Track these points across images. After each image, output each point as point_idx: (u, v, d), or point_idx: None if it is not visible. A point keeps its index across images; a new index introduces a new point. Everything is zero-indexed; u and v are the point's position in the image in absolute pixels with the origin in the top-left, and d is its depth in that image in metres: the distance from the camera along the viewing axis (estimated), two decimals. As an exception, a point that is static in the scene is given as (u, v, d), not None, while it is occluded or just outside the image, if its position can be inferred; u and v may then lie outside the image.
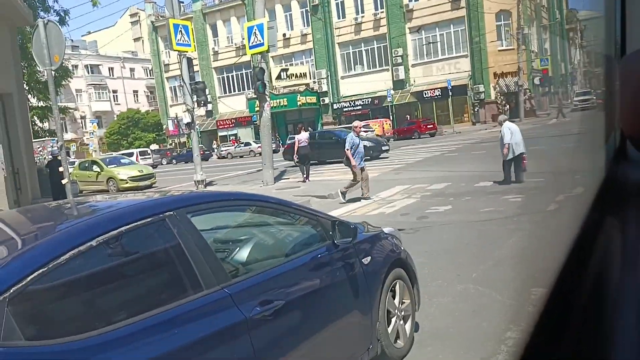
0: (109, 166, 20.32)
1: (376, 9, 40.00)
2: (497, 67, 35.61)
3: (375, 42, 40.65)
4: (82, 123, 58.14)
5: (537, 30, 40.75)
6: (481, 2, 35.38)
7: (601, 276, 0.59)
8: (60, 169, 9.94)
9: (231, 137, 45.49)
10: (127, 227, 2.12)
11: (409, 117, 36.69)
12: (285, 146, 25.68)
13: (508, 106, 35.03)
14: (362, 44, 41.28)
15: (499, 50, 35.92)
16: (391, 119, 37.45)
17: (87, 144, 44.66)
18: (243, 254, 2.88)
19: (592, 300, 0.55)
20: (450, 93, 35.27)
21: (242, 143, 40.94)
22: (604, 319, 0.48)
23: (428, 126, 33.16)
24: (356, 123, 11.63)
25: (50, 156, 16.13)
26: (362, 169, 10.86)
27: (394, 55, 38.96)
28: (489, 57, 35.85)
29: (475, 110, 36.71)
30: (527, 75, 36.09)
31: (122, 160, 22.23)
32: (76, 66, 55.49)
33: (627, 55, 0.99)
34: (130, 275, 2.27)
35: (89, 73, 60.80)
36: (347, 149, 10.71)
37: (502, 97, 36.09)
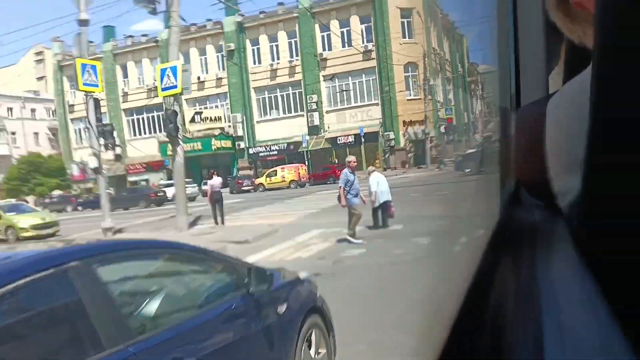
0: (7, 213, 18.79)
1: (291, 56, 41.10)
2: (406, 116, 37.54)
3: (290, 87, 41.53)
4: (-26, 167, 53.61)
5: (442, 82, 43.65)
6: (390, 54, 37.46)
7: (498, 314, 0.62)
8: None
9: (142, 182, 43.82)
10: (24, 280, 1.95)
11: (336, 160, 37.13)
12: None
13: (413, 153, 36.93)
14: (278, 90, 42.01)
15: (408, 100, 37.97)
16: (307, 164, 37.98)
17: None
18: (152, 307, 2.73)
19: (491, 337, 0.58)
20: (362, 140, 36.57)
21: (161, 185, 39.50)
22: (502, 353, 0.50)
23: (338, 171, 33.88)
24: (350, 158, 11.04)
25: None
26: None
27: (309, 102, 39.96)
28: (399, 106, 37.74)
29: (386, 156, 38.20)
30: (434, 124, 38.31)
31: (23, 207, 20.67)
32: (-30, 105, 51.61)
33: (522, 108, 1.08)
34: (25, 335, 2.07)
35: (-16, 113, 56.64)
36: (341, 186, 10.25)
37: (410, 144, 37.93)
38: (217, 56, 43.36)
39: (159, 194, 32.70)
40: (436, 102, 39.98)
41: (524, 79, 1.37)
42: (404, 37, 38.14)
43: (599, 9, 0.43)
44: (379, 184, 11.21)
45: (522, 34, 1.32)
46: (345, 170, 10.63)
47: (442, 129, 39.34)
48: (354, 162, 10.94)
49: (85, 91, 14.18)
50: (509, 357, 0.47)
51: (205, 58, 43.79)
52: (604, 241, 0.50)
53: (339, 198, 10.37)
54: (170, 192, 32.47)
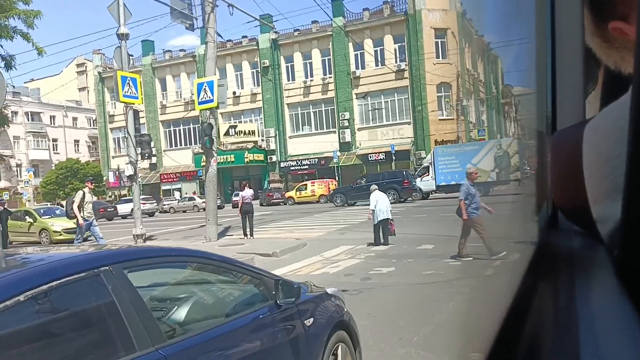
0: (42, 217, 19.32)
1: (324, 74, 41.46)
2: (437, 135, 37.27)
3: (323, 105, 41.84)
4: (17, 171, 55.56)
5: (475, 103, 43.27)
6: (423, 74, 37.40)
7: (535, 340, 0.61)
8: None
9: (174, 191, 44.60)
10: (58, 281, 2.01)
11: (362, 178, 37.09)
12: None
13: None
14: (311, 106, 42.37)
15: (440, 120, 37.74)
16: (337, 179, 38.02)
17: (21, 193, 42.47)
18: (181, 313, 2.77)
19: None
20: (393, 157, 36.41)
21: (186, 197, 40.21)
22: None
23: None
24: (472, 169, 10.35)
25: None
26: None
27: (341, 119, 40.13)
28: (431, 125, 37.53)
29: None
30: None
31: (57, 212, 21.24)
32: (16, 113, 53.66)
33: (558, 131, 1.07)
34: (59, 334, 2.12)
35: (29, 120, 58.77)
36: (461, 199, 9.29)
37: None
38: (252, 72, 44.11)
39: (108, 209, 34.74)
40: (469, 122, 39.61)
41: (560, 103, 1.36)
42: (437, 57, 38.07)
43: None
44: (377, 201, 11.69)
45: (560, 57, 1.30)
46: (466, 182, 9.79)
47: (475, 151, 38.85)
48: (476, 173, 10.22)
49: (125, 102, 14.57)
50: None
51: (241, 74, 44.57)
52: None
53: (458, 211, 9.42)
54: (123, 208, 34.66)
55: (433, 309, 6.16)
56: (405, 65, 38.46)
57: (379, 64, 38.97)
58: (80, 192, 13.34)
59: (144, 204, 36.52)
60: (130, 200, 39.66)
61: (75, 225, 18.88)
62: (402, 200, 27.61)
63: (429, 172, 28.95)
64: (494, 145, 30.84)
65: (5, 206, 15.74)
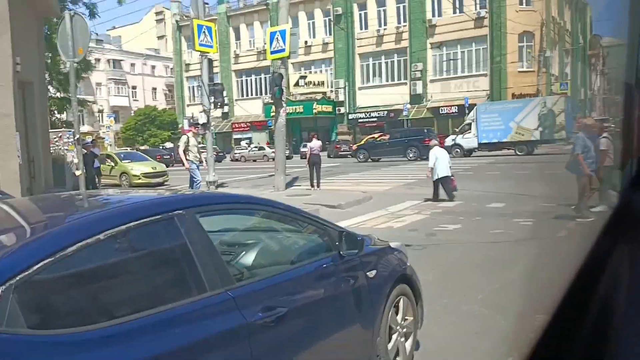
0: (123, 161, 20.45)
1: (399, 22, 40.13)
2: (516, 88, 35.44)
3: (395, 55, 40.74)
4: (99, 117, 58.75)
5: (559, 54, 40.56)
6: (505, 22, 35.32)
7: (607, 307, 0.58)
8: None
9: (241, 141, 45.63)
10: (136, 222, 2.12)
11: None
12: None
13: None
14: (383, 56, 41.39)
15: (519, 72, 35.79)
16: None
17: (103, 138, 45.01)
18: (249, 258, 2.87)
19: (596, 331, 0.54)
20: (467, 111, 35.11)
21: (256, 147, 41.10)
22: (608, 351, 0.47)
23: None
24: (589, 121, 9.72)
25: (83, 149, 16.68)
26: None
27: (413, 70, 39.00)
28: (509, 78, 35.72)
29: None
30: (547, 98, 35.90)
31: (137, 156, 22.39)
32: (98, 60, 56.20)
33: (648, 85, 0.98)
34: (135, 272, 2.27)
35: (110, 67, 61.55)
36: (579, 153, 8.51)
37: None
38: (325, 20, 43.43)
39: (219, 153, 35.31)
40: (551, 75, 37.33)
41: None
42: (520, 4, 35.75)
43: None
44: (437, 159, 11.64)
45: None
46: (580, 134, 8.96)
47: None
48: (596, 125, 9.45)
49: (200, 51, 14.85)
50: (614, 354, 0.43)
51: (313, 22, 44.03)
52: None
53: (572, 166, 8.76)
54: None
55: (500, 269, 6.04)
56: (486, 12, 36.41)
57: (458, 11, 37.14)
58: (184, 137, 13.64)
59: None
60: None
61: (153, 170, 19.99)
62: (424, 157, 26.70)
63: (471, 128, 28.18)
64: (539, 102, 29.91)
65: (93, 149, 16.53)
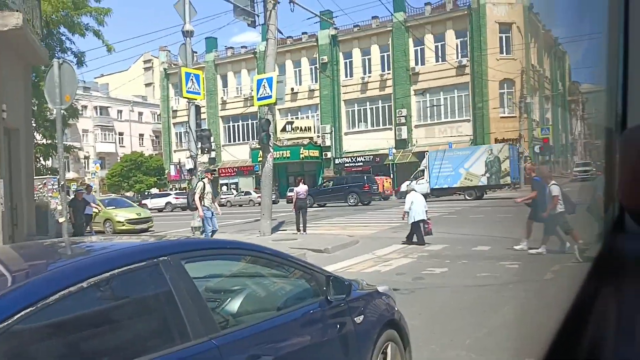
0: (107, 207, 20.27)
1: (383, 70, 41.14)
2: (498, 133, 36.15)
3: (380, 101, 41.55)
4: (85, 163, 58.55)
5: (540, 100, 41.67)
6: (485, 70, 36.38)
7: (596, 349, 0.58)
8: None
9: (232, 186, 45.66)
10: (120, 270, 2.09)
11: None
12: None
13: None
14: (368, 103, 42.19)
15: (501, 117, 36.61)
16: (392, 177, 37.68)
17: (89, 184, 44.77)
18: (234, 305, 2.82)
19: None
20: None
21: (242, 192, 41.10)
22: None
23: None
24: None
25: (72, 194, 16.52)
26: None
27: (397, 115, 39.73)
28: (491, 123, 36.49)
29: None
30: (528, 143, 36.59)
31: (121, 202, 22.21)
32: (85, 107, 56.54)
33: (628, 129, 1.01)
34: (119, 320, 2.22)
35: (97, 114, 61.88)
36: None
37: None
38: (311, 68, 44.39)
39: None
40: (532, 120, 38.22)
41: (631, 100, 1.28)
42: (501, 52, 36.94)
43: None
44: (413, 202, 12.02)
45: (633, 51, 1.23)
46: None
47: (537, 149, 37.52)
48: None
49: (188, 98, 15.03)
50: None
51: (300, 70, 44.97)
52: None
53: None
54: (153, 203, 36.16)
55: (487, 312, 6.00)
56: (467, 61, 37.55)
57: (440, 59, 38.22)
58: (200, 183, 12.92)
59: (177, 198, 37.96)
60: (160, 195, 41.33)
61: (138, 216, 19.79)
62: (365, 203, 29.63)
63: (424, 175, 29.62)
64: (485, 150, 31.72)
65: (86, 196, 16.33)
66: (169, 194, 40.72)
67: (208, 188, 12.79)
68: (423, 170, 29.96)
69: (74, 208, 15.00)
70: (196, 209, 12.62)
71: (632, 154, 0.75)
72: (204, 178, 13.11)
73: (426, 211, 12.04)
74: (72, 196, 16.16)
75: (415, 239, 11.97)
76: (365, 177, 31.23)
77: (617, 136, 1.20)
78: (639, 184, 0.70)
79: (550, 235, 9.42)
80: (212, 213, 12.80)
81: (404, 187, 28.40)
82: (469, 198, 27.49)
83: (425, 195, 28.25)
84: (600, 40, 1.28)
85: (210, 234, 12.47)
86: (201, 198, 12.50)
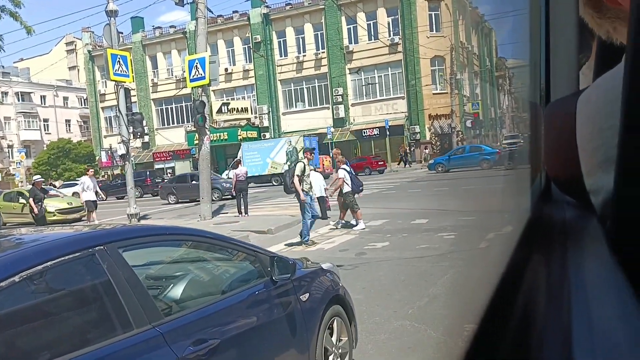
0: (35, 198, 19.21)
1: (317, 49, 41.02)
2: (432, 110, 37.16)
3: (316, 80, 41.51)
4: (8, 152, 55.15)
5: (469, 76, 43.04)
6: (417, 48, 37.08)
7: (528, 310, 0.62)
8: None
9: (168, 170, 44.43)
10: (53, 261, 2.00)
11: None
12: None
13: (439, 146, 36.82)
14: (304, 82, 42.03)
15: (434, 94, 37.59)
16: (331, 156, 37.95)
17: (13, 174, 42.27)
18: (177, 291, 2.78)
19: (520, 333, 0.57)
20: (387, 133, 36.35)
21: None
22: (531, 352, 0.50)
23: (379, 162, 33.55)
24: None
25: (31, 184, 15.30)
26: None
27: (334, 94, 39.89)
28: (425, 100, 37.39)
29: (411, 150, 37.93)
30: (460, 118, 37.85)
31: (50, 192, 21.15)
32: (6, 93, 53.10)
33: (552, 103, 1.06)
34: (55, 313, 2.13)
35: (19, 101, 58.04)
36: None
37: (436, 137, 37.62)
38: (244, 48, 43.57)
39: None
40: (463, 96, 39.49)
41: (554, 74, 1.35)
42: (431, 30, 37.73)
43: (635, 5, 0.42)
44: (312, 182, 12.27)
45: (554, 28, 1.29)
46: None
47: (469, 124, 38.90)
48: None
49: (116, 81, 14.41)
50: (537, 355, 0.46)
51: (232, 50, 44.04)
52: (638, 240, 0.49)
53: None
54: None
55: (427, 282, 6.23)
56: (399, 39, 38.08)
57: (372, 38, 38.56)
58: (300, 164, 10.90)
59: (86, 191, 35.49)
60: (72, 185, 38.56)
61: (69, 206, 18.91)
62: (148, 194, 32.18)
63: (240, 164, 32.22)
64: (285, 142, 35.53)
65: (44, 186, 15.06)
66: (75, 184, 35.29)
67: (307, 170, 10.89)
68: (239, 161, 32.48)
69: (34, 198, 13.81)
70: (294, 192, 10.69)
71: (556, 126, 0.79)
72: (303, 158, 11.23)
73: (325, 189, 12.36)
74: (29, 185, 15.08)
75: (319, 214, 12.38)
76: (147, 173, 34.58)
77: (542, 110, 1.27)
78: (563, 154, 0.74)
79: (357, 210, 11.25)
80: (311, 197, 10.96)
81: (224, 176, 31.21)
82: (275, 183, 30.36)
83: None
84: (524, 17, 1.33)
85: (310, 221, 10.53)
86: (301, 181, 10.54)
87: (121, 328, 2.07)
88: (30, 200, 13.75)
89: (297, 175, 10.42)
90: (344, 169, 11.66)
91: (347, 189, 11.32)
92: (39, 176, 15.85)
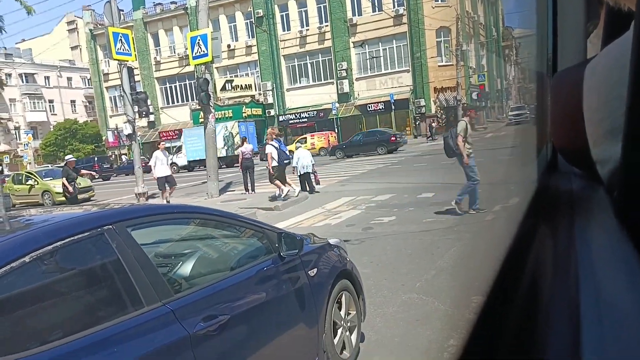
0: (44, 179, 19.38)
1: (320, 22, 40.49)
2: (437, 82, 36.79)
3: (320, 55, 41.08)
4: (15, 134, 55.34)
5: (475, 47, 42.48)
6: (422, 19, 36.53)
7: (535, 281, 0.62)
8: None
9: (175, 149, 44.52)
10: (63, 241, 2.02)
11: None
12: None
13: (445, 119, 36.57)
14: (307, 57, 41.62)
15: (439, 66, 37.15)
16: (336, 131, 37.83)
17: (22, 156, 42.48)
18: (186, 268, 2.81)
19: (527, 304, 0.57)
20: (393, 107, 36.12)
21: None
22: (538, 322, 0.50)
23: (391, 138, 32.87)
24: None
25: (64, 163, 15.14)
26: None
27: (338, 69, 39.50)
28: (430, 72, 36.98)
29: (417, 123, 37.71)
30: (466, 91, 37.49)
31: (59, 173, 21.27)
32: (9, 75, 52.95)
33: (558, 73, 1.04)
34: (66, 293, 2.16)
35: (23, 82, 57.94)
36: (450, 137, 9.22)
37: (442, 110, 37.33)
38: (246, 23, 43.07)
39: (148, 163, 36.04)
40: (468, 68, 39.04)
41: (561, 43, 1.32)
42: (436, 0, 37.09)
43: None
44: (299, 159, 13.47)
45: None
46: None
47: (475, 96, 38.54)
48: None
49: (118, 60, 14.32)
50: (545, 326, 0.46)
51: (235, 25, 43.56)
52: None
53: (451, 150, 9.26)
54: None
55: (434, 256, 6.26)
56: (404, 9, 37.46)
57: (377, 9, 37.99)
58: (462, 123, 9.55)
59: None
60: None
61: (78, 186, 18.99)
62: (99, 179, 32.94)
63: (181, 150, 35.62)
64: (222, 127, 36.50)
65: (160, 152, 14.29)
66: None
67: (469, 129, 9.45)
68: (181, 146, 35.82)
69: (67, 177, 13.69)
70: (457, 154, 9.28)
71: (563, 96, 0.78)
72: (465, 116, 10.00)
73: (313, 164, 13.59)
74: (37, 167, 14.97)
75: (308, 189, 13.47)
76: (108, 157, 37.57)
77: (549, 80, 1.25)
78: (569, 125, 0.74)
79: (275, 181, 12.58)
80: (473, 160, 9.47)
81: (152, 162, 32.22)
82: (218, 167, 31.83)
83: (185, 167, 34.04)
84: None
85: (474, 185, 9.19)
86: (465, 141, 9.14)
87: (132, 306, 2.10)
88: (63, 179, 13.78)
89: (461, 135, 9.02)
90: (272, 145, 12.66)
91: (274, 163, 12.50)
92: (70, 155, 15.71)
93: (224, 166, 31.43)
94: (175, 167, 33.30)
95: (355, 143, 30.14)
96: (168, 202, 12.87)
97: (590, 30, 1.26)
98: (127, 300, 2.12)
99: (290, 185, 12.82)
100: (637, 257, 0.45)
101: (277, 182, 12.68)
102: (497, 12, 48.36)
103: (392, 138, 29.06)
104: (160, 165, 13.71)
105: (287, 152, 13.33)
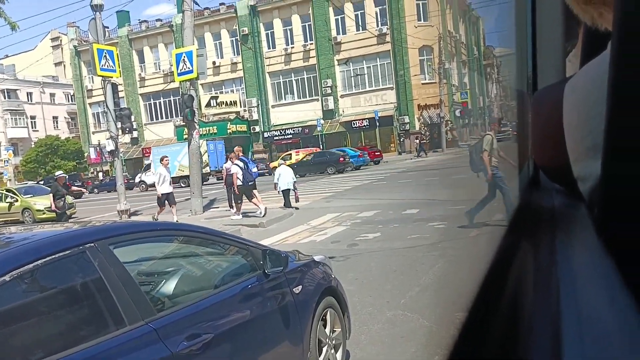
0: (25, 196, 19.07)
1: (305, 40, 40.85)
2: (421, 100, 37.21)
3: (305, 72, 41.37)
4: (-5, 150, 54.47)
5: (457, 65, 43.11)
6: (405, 38, 37.04)
7: (517, 297, 0.62)
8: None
9: (143, 167, 44.24)
10: (44, 260, 1.99)
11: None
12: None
13: (429, 136, 36.90)
14: (292, 74, 41.87)
15: (423, 84, 37.61)
16: (321, 148, 37.93)
17: (1, 173, 41.83)
18: (170, 286, 2.78)
19: (509, 321, 0.58)
20: (377, 123, 36.40)
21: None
22: (520, 338, 0.50)
23: (376, 153, 33.44)
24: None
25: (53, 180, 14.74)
26: None
27: (323, 86, 39.78)
28: (414, 90, 37.41)
29: (401, 140, 38.01)
30: (449, 108, 37.94)
31: (39, 190, 20.97)
32: (-10, 90, 52.30)
33: (539, 91, 1.06)
34: (47, 312, 2.12)
35: (5, 98, 57.26)
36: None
37: (425, 128, 37.70)
38: (232, 40, 43.27)
39: (130, 180, 36.23)
40: (451, 85, 39.57)
41: (540, 62, 1.35)
42: (419, 19, 37.71)
43: None
44: (280, 176, 13.80)
45: (540, 16, 1.29)
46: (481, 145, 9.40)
47: (457, 113, 39.00)
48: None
49: (102, 76, 14.26)
50: (526, 342, 0.47)
51: (220, 42, 43.73)
52: (625, 227, 0.49)
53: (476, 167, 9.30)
54: None
55: (419, 272, 6.26)
56: (387, 29, 38.00)
57: (360, 28, 38.47)
58: (488, 137, 9.41)
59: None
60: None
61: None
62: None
63: (150, 168, 34.69)
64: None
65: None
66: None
67: (496, 144, 9.22)
68: (150, 164, 34.41)
69: (54, 194, 13.46)
70: (483, 169, 9.17)
71: (543, 114, 0.80)
72: (491, 130, 9.87)
73: (294, 182, 13.81)
74: (17, 184, 14.70)
75: (285, 204, 13.72)
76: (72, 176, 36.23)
77: (529, 98, 1.27)
78: (550, 143, 0.75)
79: (240, 203, 12.74)
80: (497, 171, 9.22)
81: (137, 179, 34.55)
82: (183, 185, 31.35)
83: (153, 185, 33.15)
84: (510, 4, 1.33)
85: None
86: (491, 155, 9.02)
87: (114, 325, 2.06)
88: (51, 196, 13.57)
89: (487, 150, 8.81)
90: (237, 165, 12.66)
91: (239, 182, 12.49)
92: (61, 172, 15.47)
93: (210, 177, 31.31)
94: (143, 186, 34.12)
95: (306, 163, 30.93)
96: (175, 220, 12.79)
97: (569, 50, 1.29)
98: (110, 319, 2.08)
99: (256, 204, 12.72)
100: (618, 273, 0.45)
101: (239, 204, 12.80)
102: (478, 31, 49.25)
103: (341, 159, 29.76)
104: (163, 182, 13.80)
105: (253, 172, 13.48)
